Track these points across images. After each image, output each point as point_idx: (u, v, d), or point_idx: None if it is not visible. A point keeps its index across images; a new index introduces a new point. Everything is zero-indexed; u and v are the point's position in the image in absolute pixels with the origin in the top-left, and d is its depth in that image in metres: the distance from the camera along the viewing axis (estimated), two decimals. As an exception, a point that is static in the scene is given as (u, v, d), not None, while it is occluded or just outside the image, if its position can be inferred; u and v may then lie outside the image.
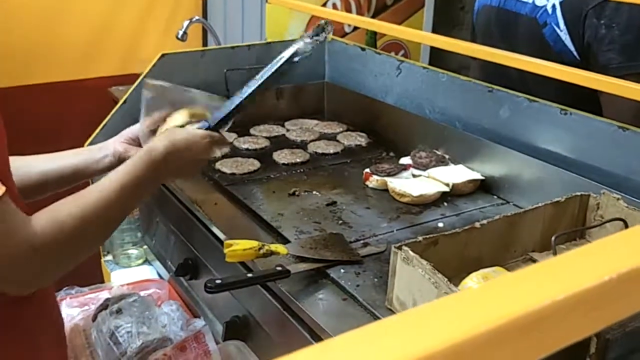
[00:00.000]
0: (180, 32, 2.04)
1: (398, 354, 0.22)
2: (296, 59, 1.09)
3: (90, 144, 1.53)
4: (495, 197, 1.28)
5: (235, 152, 1.48)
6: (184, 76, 1.59)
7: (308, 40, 1.10)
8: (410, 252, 0.86)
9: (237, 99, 1.08)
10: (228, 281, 0.94)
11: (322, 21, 1.14)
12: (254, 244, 1.01)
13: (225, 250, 1.00)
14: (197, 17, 2.12)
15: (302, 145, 1.53)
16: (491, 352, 0.23)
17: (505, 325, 0.23)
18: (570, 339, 0.26)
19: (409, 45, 2.83)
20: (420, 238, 0.90)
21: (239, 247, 1.00)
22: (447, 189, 1.24)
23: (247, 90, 1.09)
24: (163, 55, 1.54)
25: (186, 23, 2.05)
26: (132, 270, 1.56)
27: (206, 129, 1.03)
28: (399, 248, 0.87)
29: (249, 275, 0.96)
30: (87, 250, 0.88)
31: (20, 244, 0.75)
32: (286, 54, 1.09)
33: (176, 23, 2.20)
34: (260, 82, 1.08)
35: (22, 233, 0.75)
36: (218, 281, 0.93)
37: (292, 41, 1.12)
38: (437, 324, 0.23)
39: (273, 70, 1.08)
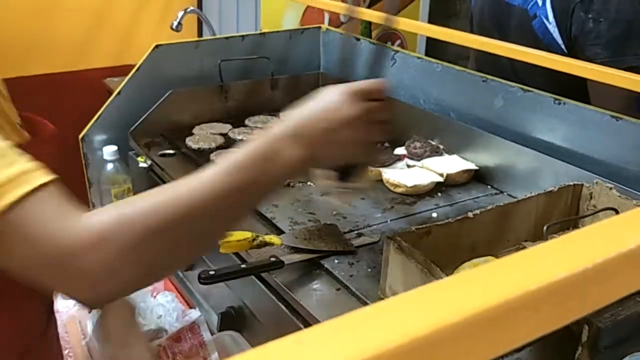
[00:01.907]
0: (175, 23, 2.03)
1: (371, 345, 0.22)
2: None
3: (85, 135, 1.53)
4: (489, 187, 1.28)
5: (229, 143, 1.47)
6: (178, 67, 1.59)
7: None
8: (403, 242, 0.86)
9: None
10: (222, 272, 0.94)
11: None
12: (247, 234, 1.01)
13: (219, 242, 1.00)
14: (191, 8, 2.12)
15: (297, 136, 1.52)
16: (464, 343, 0.24)
17: (477, 315, 0.23)
18: (545, 329, 0.26)
19: (406, 35, 2.82)
20: (413, 228, 0.91)
21: (233, 238, 1.00)
22: (441, 179, 1.24)
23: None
24: (157, 46, 1.53)
25: (181, 14, 2.04)
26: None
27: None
28: (392, 238, 0.87)
29: (243, 266, 0.97)
30: (173, 259, 0.64)
31: (75, 239, 0.57)
32: None
33: (171, 14, 2.18)
34: None
35: (77, 226, 0.58)
36: (212, 272, 0.93)
37: None
38: (404, 317, 0.23)
39: None
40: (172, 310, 1.23)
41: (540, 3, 1.46)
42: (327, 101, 0.71)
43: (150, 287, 1.35)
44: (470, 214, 0.96)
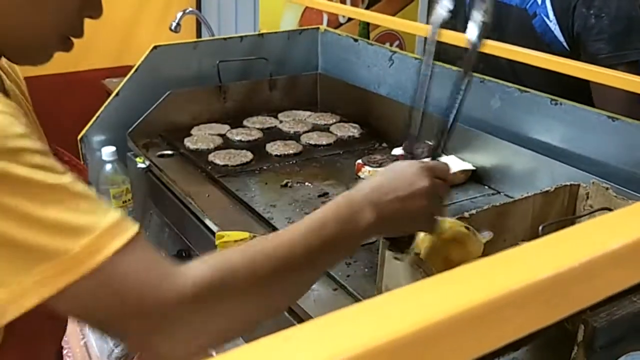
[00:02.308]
0: (174, 24, 2.04)
1: (361, 342, 0.22)
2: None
3: (84, 136, 1.53)
4: (486, 187, 1.28)
5: (228, 144, 1.48)
6: (176, 68, 1.59)
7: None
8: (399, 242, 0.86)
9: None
10: (219, 272, 0.94)
11: None
12: (245, 235, 1.02)
13: (217, 242, 1.01)
14: (190, 9, 2.12)
15: (295, 137, 1.53)
16: (451, 340, 0.24)
17: (463, 313, 0.23)
18: (531, 326, 0.26)
19: (404, 36, 2.82)
20: (409, 228, 0.91)
21: (230, 239, 1.00)
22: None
23: (453, 110, 0.93)
24: (155, 47, 1.54)
25: (179, 14, 2.05)
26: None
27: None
28: (387, 238, 0.88)
29: (240, 266, 0.97)
30: (255, 314, 0.64)
31: (173, 296, 0.56)
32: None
33: (170, 15, 2.19)
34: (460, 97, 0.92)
35: (177, 284, 0.57)
36: (209, 272, 0.93)
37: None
38: (391, 314, 0.24)
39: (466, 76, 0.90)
40: (170, 310, 1.24)
41: (539, 2, 1.46)
42: (401, 173, 0.76)
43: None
44: (466, 214, 0.96)
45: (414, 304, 0.25)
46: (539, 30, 1.48)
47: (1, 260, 0.53)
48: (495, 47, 1.25)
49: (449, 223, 0.88)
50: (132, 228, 0.57)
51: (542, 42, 1.46)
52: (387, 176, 0.75)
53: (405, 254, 0.81)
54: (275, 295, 0.65)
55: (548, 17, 1.45)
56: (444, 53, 1.65)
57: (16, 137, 0.55)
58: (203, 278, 0.57)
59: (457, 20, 0.94)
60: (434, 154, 0.86)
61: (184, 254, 1.33)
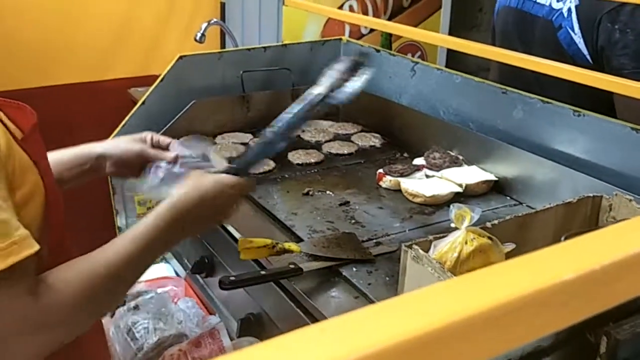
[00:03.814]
0: (199, 35, 2.07)
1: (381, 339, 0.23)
2: (333, 101, 0.99)
3: (110, 144, 1.56)
4: (508, 197, 1.28)
5: (250, 153, 1.50)
6: (201, 78, 1.62)
7: (340, 75, 0.99)
8: (420, 251, 0.87)
9: (261, 144, 1.05)
10: (242, 278, 0.96)
11: (359, 55, 1.01)
12: (267, 242, 1.03)
13: (240, 248, 1.02)
14: (215, 20, 2.16)
15: (317, 146, 1.54)
16: (472, 338, 0.25)
17: (484, 313, 0.24)
18: (549, 329, 0.27)
19: (426, 47, 2.83)
20: (430, 237, 0.92)
21: (253, 245, 1.02)
22: (460, 190, 1.25)
23: (270, 135, 1.04)
24: (181, 57, 1.57)
25: (204, 25, 2.08)
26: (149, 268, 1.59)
27: (231, 172, 0.94)
28: (410, 247, 0.88)
29: (262, 272, 0.98)
30: (102, 307, 0.82)
31: (25, 311, 0.70)
32: (315, 93, 1.01)
33: (194, 25, 2.23)
34: (285, 126, 1.03)
35: (24, 303, 0.70)
36: (232, 278, 0.95)
37: (323, 74, 1.02)
38: (418, 310, 0.25)
39: (299, 113, 1.01)
40: (192, 316, 1.26)
41: (565, 14, 1.46)
42: (216, 189, 0.90)
43: (171, 294, 1.37)
44: (488, 224, 0.96)
45: (438, 302, 0.26)
46: (564, 42, 1.48)
47: None
48: (520, 59, 1.25)
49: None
50: (30, 249, 0.69)
51: (566, 54, 1.45)
52: (205, 191, 0.89)
53: None
54: (117, 292, 0.84)
55: (573, 30, 1.45)
56: (465, 64, 1.66)
57: None
58: (61, 288, 0.72)
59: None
60: (241, 171, 0.95)
61: (206, 260, 1.35)
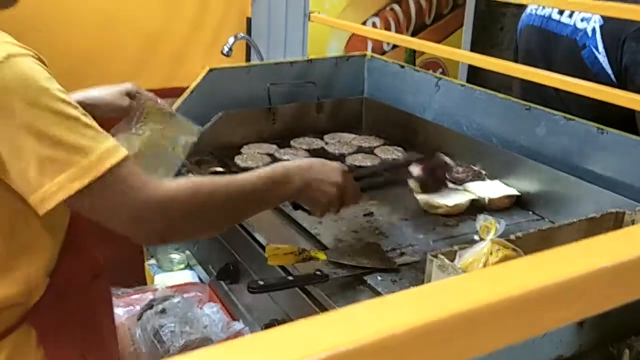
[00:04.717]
0: (226, 48, 2.12)
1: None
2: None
3: (140, 152, 1.61)
4: (530, 212, 1.29)
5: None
6: (229, 90, 1.66)
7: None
8: (446, 260, 0.89)
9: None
10: (270, 282, 0.99)
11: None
12: (294, 248, 1.05)
13: (268, 254, 1.05)
14: (242, 34, 2.21)
15: (341, 158, 1.57)
16: (485, 328, 0.28)
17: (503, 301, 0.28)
18: (562, 321, 0.30)
19: (447, 64, 2.86)
20: (456, 247, 0.94)
21: (280, 251, 1.04)
22: (477, 197, 1.27)
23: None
24: (211, 69, 1.61)
25: (231, 40, 2.13)
26: (174, 274, 1.62)
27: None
28: (435, 256, 0.90)
29: (290, 278, 1.01)
30: (211, 224, 0.92)
31: (151, 199, 0.81)
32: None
33: (221, 39, 2.28)
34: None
35: (154, 190, 0.81)
36: (260, 282, 0.98)
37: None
38: (432, 301, 0.28)
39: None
40: (217, 321, 1.28)
41: (590, 34, 1.49)
42: (329, 165, 1.03)
43: (196, 299, 1.40)
44: (512, 236, 0.98)
45: (446, 296, 0.29)
46: (588, 61, 1.50)
47: (32, 171, 0.74)
48: (544, 76, 1.27)
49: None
50: (124, 151, 0.79)
51: (590, 73, 1.47)
52: (318, 162, 1.03)
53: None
54: (223, 217, 0.93)
55: (597, 49, 1.47)
56: (486, 82, 1.68)
57: (46, 79, 0.76)
58: (173, 190, 0.83)
59: None
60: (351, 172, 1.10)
61: (231, 267, 1.37)
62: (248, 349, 0.29)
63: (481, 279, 0.36)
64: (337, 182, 1.00)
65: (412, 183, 1.22)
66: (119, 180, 0.78)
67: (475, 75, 2.78)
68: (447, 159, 1.28)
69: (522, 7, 2.94)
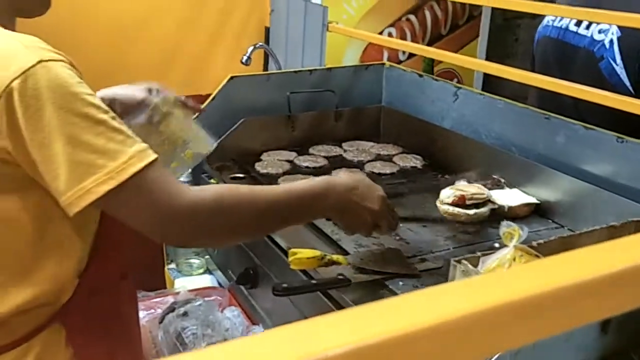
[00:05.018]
0: (245, 57, 2.16)
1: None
2: None
3: (161, 157, 1.64)
4: (549, 221, 1.30)
5: (295, 170, 1.55)
6: (250, 98, 1.69)
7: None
8: (470, 266, 0.90)
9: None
10: (294, 286, 1.00)
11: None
12: (316, 253, 1.07)
13: (290, 258, 1.07)
14: (260, 44, 2.24)
15: (359, 165, 1.59)
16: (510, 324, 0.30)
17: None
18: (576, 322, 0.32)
19: (462, 75, 2.88)
20: (479, 253, 0.95)
21: (303, 256, 1.06)
22: (497, 206, 1.28)
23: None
24: (232, 77, 1.64)
25: (250, 49, 2.17)
26: (193, 279, 1.64)
27: None
28: (459, 261, 0.92)
29: (313, 281, 1.02)
30: (236, 233, 0.92)
31: (179, 203, 0.81)
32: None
33: (240, 48, 2.32)
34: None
35: (182, 194, 0.82)
36: (284, 285, 0.99)
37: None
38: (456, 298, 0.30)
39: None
40: (237, 324, 1.30)
41: (607, 45, 1.50)
42: (371, 190, 1.02)
43: (217, 303, 1.42)
44: (534, 243, 0.99)
45: (469, 294, 0.31)
46: (605, 72, 1.51)
47: (63, 174, 0.76)
48: (562, 86, 1.29)
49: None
50: (153, 155, 0.80)
51: (607, 85, 1.48)
52: (363, 184, 1.01)
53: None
54: (249, 228, 0.92)
55: (615, 61, 1.48)
56: (501, 92, 1.69)
57: (76, 84, 0.78)
58: (202, 197, 0.84)
59: None
60: None
61: (251, 272, 1.39)
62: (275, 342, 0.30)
63: (504, 278, 0.38)
64: (374, 210, 1.00)
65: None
66: (147, 184, 0.79)
67: (491, 84, 2.79)
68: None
69: (537, 18, 2.95)
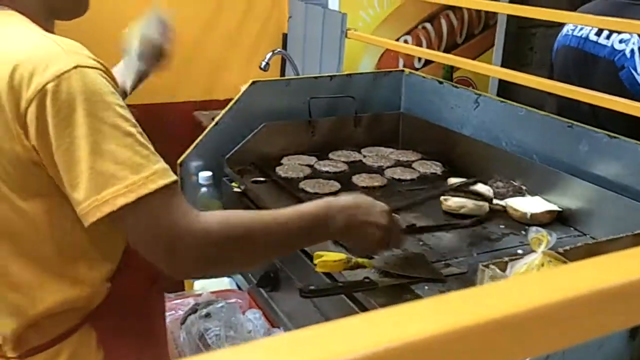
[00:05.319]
0: (263, 63, 2.17)
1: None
2: None
3: (183, 161, 1.65)
4: (571, 228, 1.30)
5: (316, 174, 1.56)
6: (270, 102, 1.70)
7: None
8: (498, 270, 0.91)
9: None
10: (321, 287, 1.01)
11: None
12: (342, 256, 1.08)
13: (316, 261, 1.07)
14: (279, 49, 2.26)
15: (379, 171, 1.60)
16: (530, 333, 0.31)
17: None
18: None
19: (477, 83, 2.88)
20: (506, 258, 0.95)
21: (329, 259, 1.07)
22: (529, 212, 1.29)
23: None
24: (253, 82, 1.65)
25: (269, 55, 2.18)
26: (211, 281, 1.65)
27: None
28: (487, 266, 0.92)
29: (340, 284, 1.03)
30: (242, 262, 0.91)
31: (190, 231, 0.79)
32: None
33: (257, 54, 2.34)
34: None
35: (193, 222, 0.79)
36: (312, 287, 1.00)
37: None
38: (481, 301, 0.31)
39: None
40: (259, 327, 1.31)
41: (628, 55, 1.50)
42: (374, 206, 0.99)
43: (237, 305, 1.43)
44: (560, 249, 0.99)
45: (493, 299, 0.32)
46: (626, 82, 1.51)
47: (83, 183, 0.74)
48: (580, 93, 1.29)
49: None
50: (174, 177, 0.78)
51: (628, 94, 1.48)
52: (363, 201, 0.99)
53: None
54: (258, 256, 0.92)
55: (636, 71, 1.48)
56: (517, 100, 1.70)
57: (109, 93, 0.77)
58: (213, 225, 0.81)
59: None
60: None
61: (271, 275, 1.40)
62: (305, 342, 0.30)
63: (530, 283, 0.38)
64: (382, 223, 0.97)
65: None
66: (164, 203, 0.77)
67: (505, 93, 2.79)
68: None
69: (553, 28, 2.95)
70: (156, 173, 0.76)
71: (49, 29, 0.88)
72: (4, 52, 0.77)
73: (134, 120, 0.79)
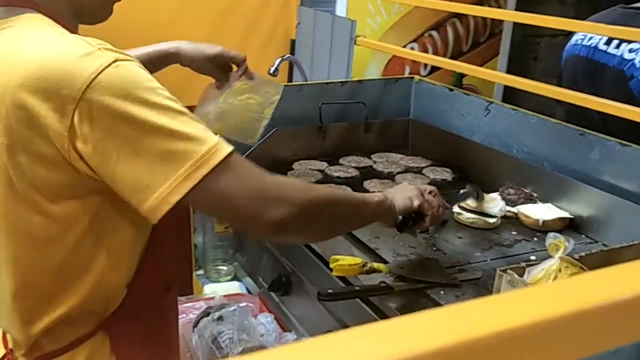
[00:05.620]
0: (272, 69, 2.18)
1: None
2: None
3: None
4: (583, 236, 1.31)
5: (327, 179, 1.57)
6: (281, 107, 1.71)
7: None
8: (516, 275, 0.91)
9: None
10: (339, 291, 1.02)
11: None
12: (358, 260, 1.08)
13: (332, 265, 1.08)
14: (288, 55, 2.27)
15: (390, 177, 1.61)
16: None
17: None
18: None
19: (482, 91, 2.90)
20: (523, 264, 0.96)
21: (345, 263, 1.07)
22: (541, 218, 1.30)
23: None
24: (265, 87, 1.66)
25: (278, 61, 2.19)
26: (221, 285, 1.66)
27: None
28: (504, 271, 0.93)
29: (357, 287, 1.04)
30: (319, 231, 0.95)
31: (276, 181, 0.85)
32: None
33: (265, 59, 2.34)
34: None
35: (277, 176, 0.85)
36: (330, 290, 1.00)
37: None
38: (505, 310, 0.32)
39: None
40: (271, 330, 1.31)
41: (637, 64, 1.52)
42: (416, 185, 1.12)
43: (249, 309, 1.43)
44: (576, 255, 1.00)
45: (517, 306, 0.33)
46: (635, 91, 1.52)
47: (157, 167, 0.74)
48: (589, 101, 1.30)
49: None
50: (231, 146, 0.78)
51: (638, 103, 1.50)
52: (405, 184, 1.17)
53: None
54: (333, 225, 0.96)
55: None
56: (524, 106, 1.71)
57: (151, 80, 0.77)
58: (297, 182, 0.93)
59: None
60: None
61: (283, 279, 1.40)
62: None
63: (548, 292, 0.38)
64: (431, 190, 1.12)
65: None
66: (240, 164, 0.78)
67: (510, 101, 2.81)
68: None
69: (557, 37, 2.97)
70: (219, 142, 0.76)
71: (74, 32, 0.88)
72: (37, 55, 0.77)
73: (177, 99, 0.79)
